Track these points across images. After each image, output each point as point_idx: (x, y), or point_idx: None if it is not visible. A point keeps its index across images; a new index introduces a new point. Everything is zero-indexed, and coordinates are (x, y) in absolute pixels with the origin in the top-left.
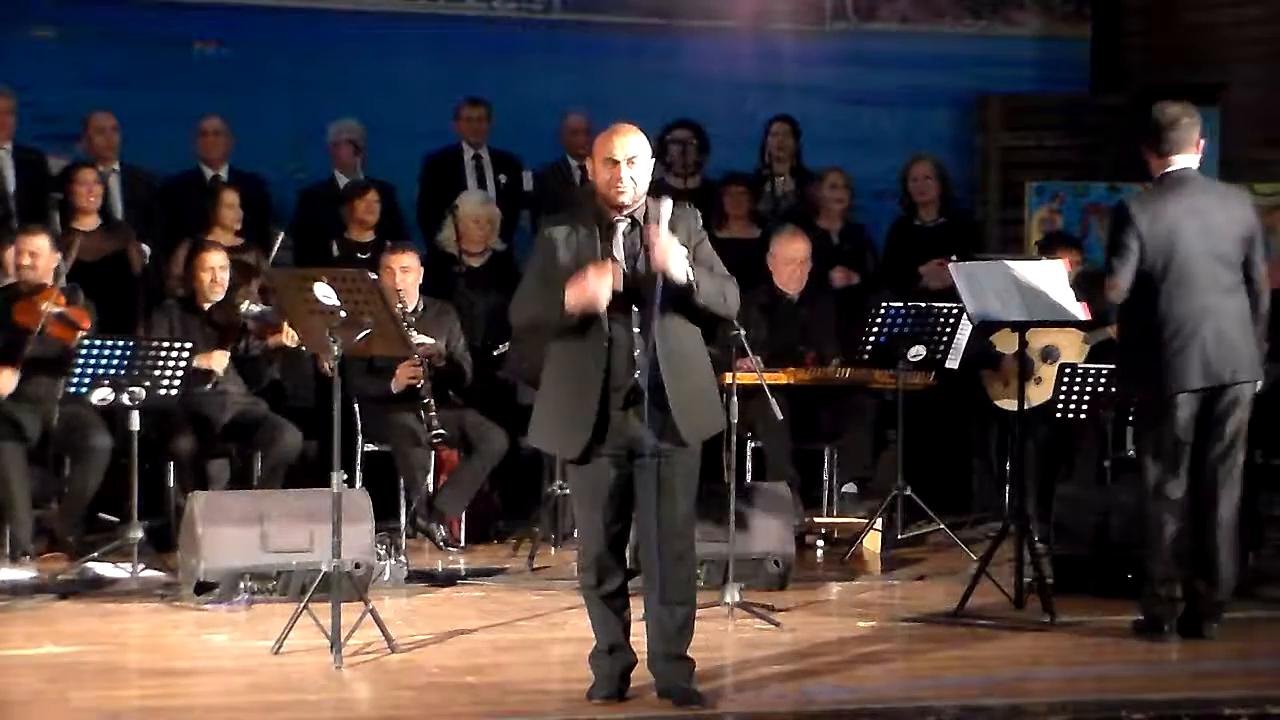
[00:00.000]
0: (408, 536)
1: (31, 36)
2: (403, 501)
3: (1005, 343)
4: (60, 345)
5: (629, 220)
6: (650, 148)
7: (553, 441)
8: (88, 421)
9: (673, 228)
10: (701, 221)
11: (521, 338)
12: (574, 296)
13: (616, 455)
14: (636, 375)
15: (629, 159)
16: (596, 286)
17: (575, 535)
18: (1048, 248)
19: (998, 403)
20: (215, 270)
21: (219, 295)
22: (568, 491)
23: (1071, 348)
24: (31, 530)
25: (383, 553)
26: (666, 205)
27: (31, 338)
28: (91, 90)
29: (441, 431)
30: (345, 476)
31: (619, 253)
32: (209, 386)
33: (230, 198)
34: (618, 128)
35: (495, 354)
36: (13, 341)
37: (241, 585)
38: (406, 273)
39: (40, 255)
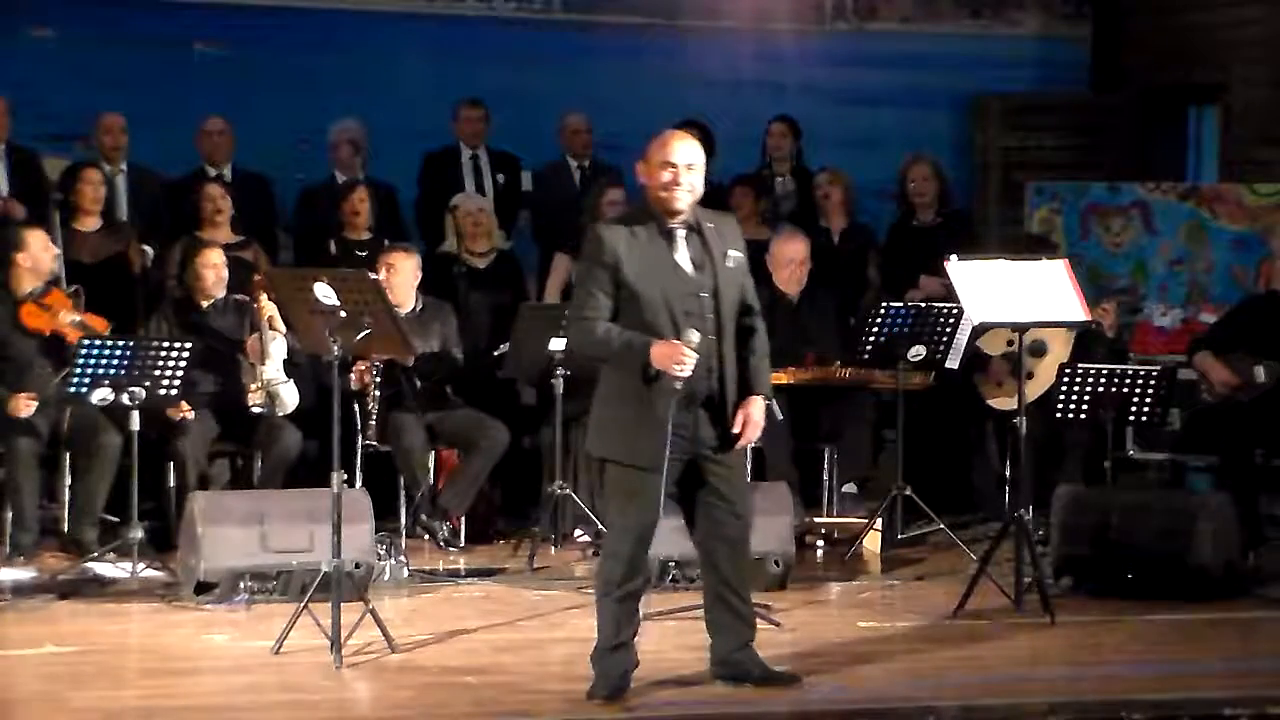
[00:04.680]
0: (408, 536)
1: (31, 36)
2: (403, 501)
3: (991, 344)
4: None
5: (686, 227)
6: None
7: (620, 449)
8: (98, 420)
9: (734, 246)
10: None
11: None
12: (660, 365)
13: (670, 460)
14: (712, 383)
15: (688, 165)
16: (684, 368)
17: (574, 534)
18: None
19: (991, 402)
20: (219, 267)
21: (221, 293)
22: (568, 491)
23: (1058, 338)
24: (36, 531)
25: (383, 553)
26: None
27: (70, 355)
28: (91, 90)
29: (372, 442)
30: (345, 476)
31: (684, 260)
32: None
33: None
34: (676, 133)
35: (496, 354)
36: (52, 352)
37: (241, 585)
38: (393, 272)
39: (51, 251)
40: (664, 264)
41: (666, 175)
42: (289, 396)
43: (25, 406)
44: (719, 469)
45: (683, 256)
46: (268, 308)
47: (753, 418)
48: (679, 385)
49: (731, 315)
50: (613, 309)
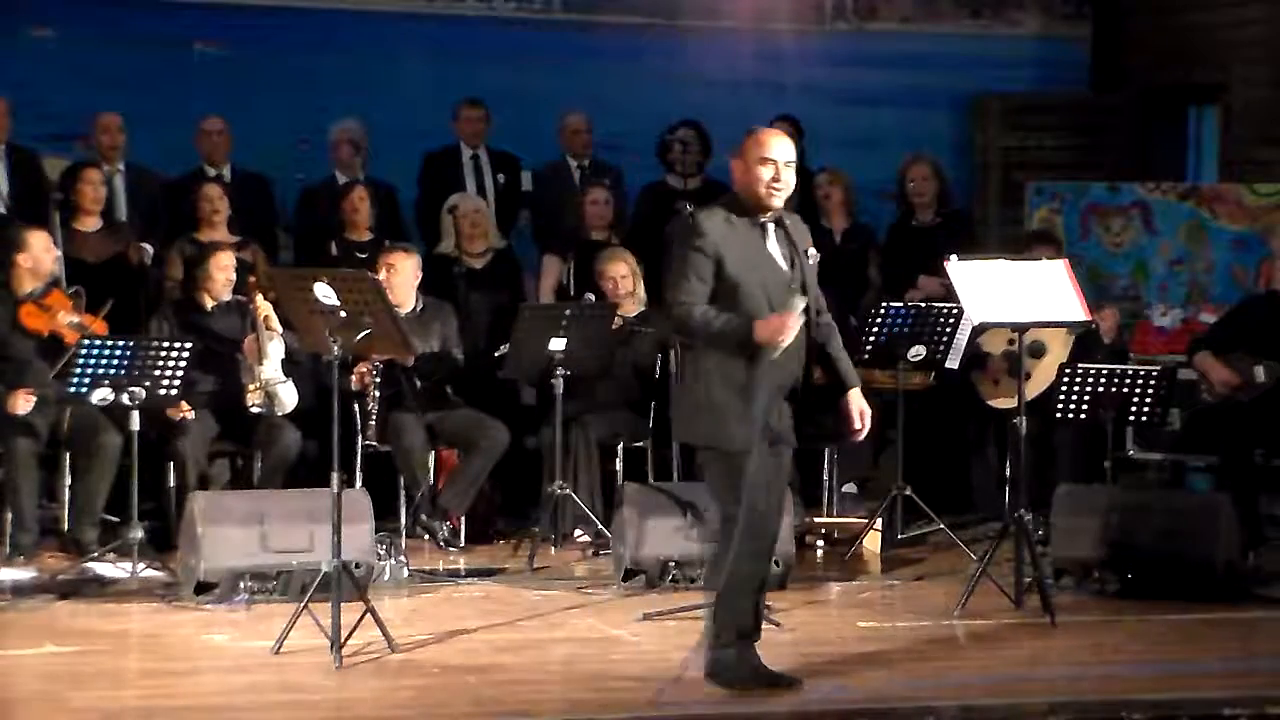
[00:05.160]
0: (408, 536)
1: (31, 36)
2: (403, 501)
3: (991, 343)
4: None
5: (774, 222)
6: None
7: (710, 434)
8: (98, 420)
9: (810, 245)
10: None
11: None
12: (764, 338)
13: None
14: (799, 372)
15: (786, 162)
16: (787, 336)
17: (574, 534)
18: (1029, 246)
19: (990, 402)
20: (229, 269)
21: (228, 295)
22: (568, 491)
23: (1057, 339)
24: (36, 531)
25: (383, 553)
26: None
27: (70, 355)
28: (91, 90)
29: (372, 442)
30: (345, 476)
31: (777, 253)
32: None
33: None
34: (772, 130)
35: (496, 355)
36: (50, 352)
37: (241, 585)
38: (393, 273)
39: (52, 252)
40: (761, 255)
41: (768, 171)
42: (288, 396)
43: (24, 401)
44: (778, 463)
45: (774, 249)
46: (263, 308)
47: (864, 409)
48: (775, 355)
49: (814, 308)
50: (710, 296)
